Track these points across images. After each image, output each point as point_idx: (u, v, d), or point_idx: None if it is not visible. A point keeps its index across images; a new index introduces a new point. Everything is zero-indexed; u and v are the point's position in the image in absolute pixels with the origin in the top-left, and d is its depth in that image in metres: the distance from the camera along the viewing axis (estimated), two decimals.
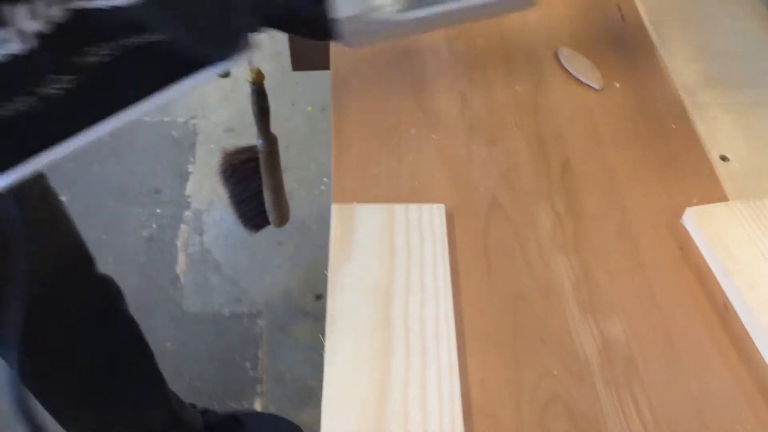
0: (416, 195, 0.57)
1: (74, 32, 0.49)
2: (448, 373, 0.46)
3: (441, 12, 0.53)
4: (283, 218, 0.92)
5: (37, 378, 0.92)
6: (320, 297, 1.52)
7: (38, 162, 0.50)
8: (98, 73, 0.51)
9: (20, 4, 0.44)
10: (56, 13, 0.47)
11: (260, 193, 1.32)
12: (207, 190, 1.71)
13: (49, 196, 0.83)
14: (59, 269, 0.83)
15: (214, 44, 0.52)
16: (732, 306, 0.50)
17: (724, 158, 0.59)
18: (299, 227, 1.62)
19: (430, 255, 0.52)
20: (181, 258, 1.62)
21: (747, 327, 0.49)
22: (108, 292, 0.95)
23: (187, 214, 1.70)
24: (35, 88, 0.49)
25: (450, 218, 0.55)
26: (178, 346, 1.50)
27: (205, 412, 1.28)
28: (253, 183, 1.35)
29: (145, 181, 1.74)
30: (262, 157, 1.00)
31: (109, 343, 0.96)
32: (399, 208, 0.54)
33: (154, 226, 1.67)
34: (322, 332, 1.49)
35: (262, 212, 0.97)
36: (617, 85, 0.65)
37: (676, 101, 0.64)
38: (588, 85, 0.65)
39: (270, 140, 0.72)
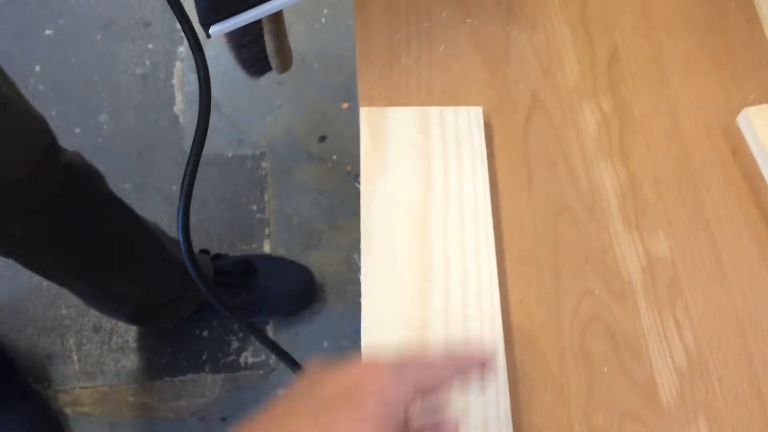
0: (449, 93, 0.52)
1: None
2: (489, 296, 0.45)
3: None
4: (286, 64, 0.88)
5: (23, 261, 0.90)
6: (324, 138, 1.49)
7: (255, 14, 0.54)
8: None
9: None
10: None
11: (261, 37, 1.24)
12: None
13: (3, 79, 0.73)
14: (15, 157, 0.74)
15: None
16: None
17: None
18: (299, 65, 1.54)
19: (469, 167, 0.48)
20: (179, 97, 1.56)
21: None
22: (75, 174, 0.86)
23: (181, 50, 1.61)
24: None
25: (487, 120, 0.51)
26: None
27: (216, 256, 1.29)
28: (253, 27, 1.26)
29: (132, 13, 1.63)
30: None
31: (85, 222, 0.90)
32: (434, 112, 0.50)
33: (148, 63, 1.59)
34: (328, 175, 1.47)
35: (264, 57, 0.92)
36: None
37: None
38: None
39: None
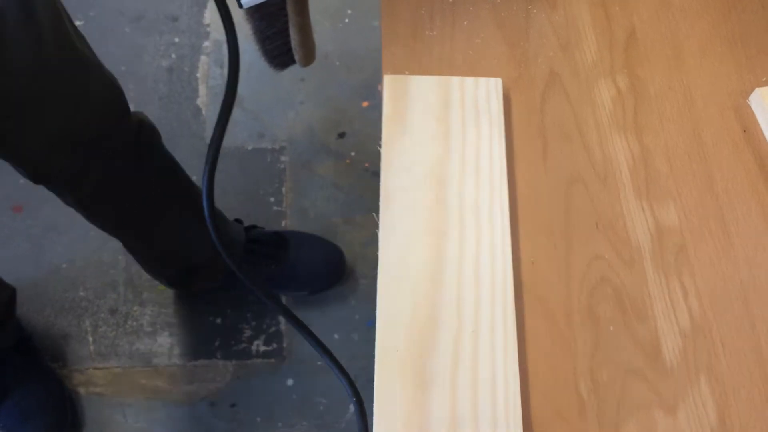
0: (470, 65, 0.54)
1: None
2: (501, 255, 0.47)
3: None
4: (309, 57, 0.90)
5: (80, 208, 0.98)
6: (343, 135, 1.51)
7: None
8: None
9: None
10: None
11: (286, 30, 1.27)
12: None
13: (79, 39, 0.82)
14: (98, 112, 0.85)
15: None
16: None
17: None
18: (322, 62, 1.57)
19: (486, 135, 0.50)
20: (202, 90, 1.60)
21: None
22: (144, 131, 0.97)
23: (207, 44, 1.65)
24: None
25: (505, 93, 0.53)
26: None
27: (251, 228, 1.31)
28: (278, 19, 1.29)
29: (161, 8, 1.67)
30: None
31: (147, 177, 1.01)
32: (454, 81, 0.52)
33: (174, 56, 1.63)
34: (345, 171, 1.50)
35: (288, 50, 0.94)
36: None
37: None
38: None
39: None
